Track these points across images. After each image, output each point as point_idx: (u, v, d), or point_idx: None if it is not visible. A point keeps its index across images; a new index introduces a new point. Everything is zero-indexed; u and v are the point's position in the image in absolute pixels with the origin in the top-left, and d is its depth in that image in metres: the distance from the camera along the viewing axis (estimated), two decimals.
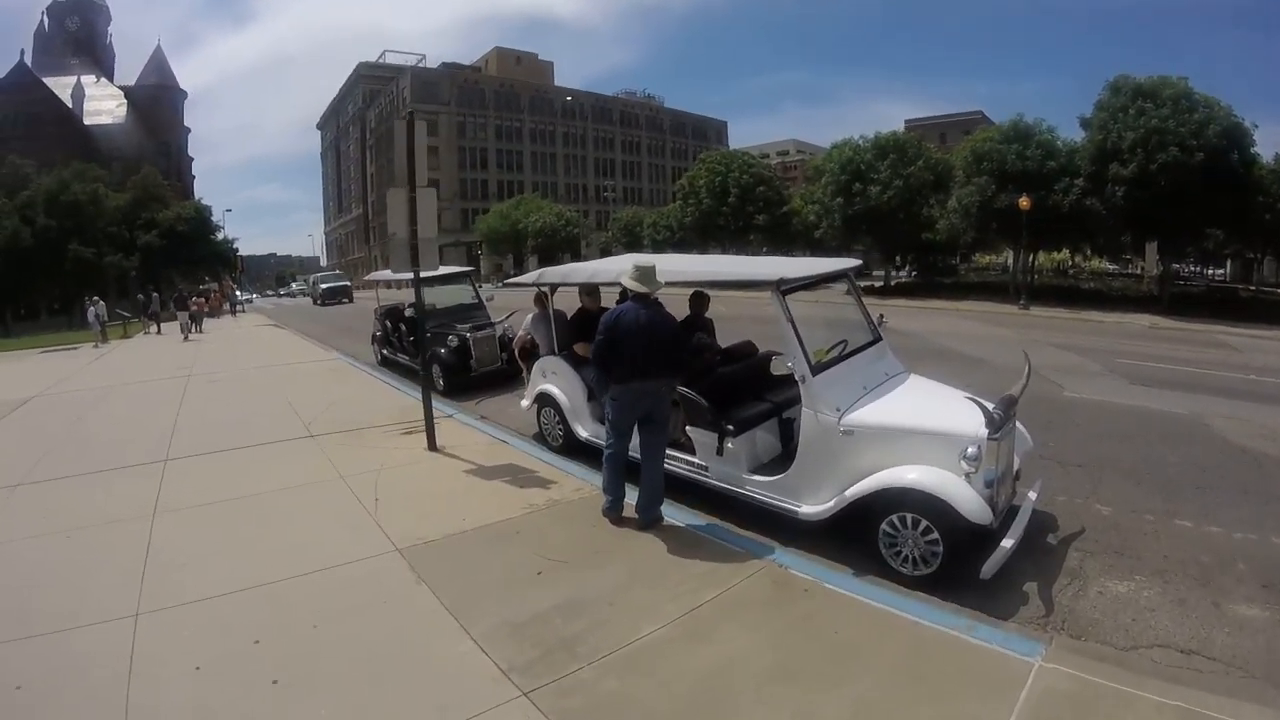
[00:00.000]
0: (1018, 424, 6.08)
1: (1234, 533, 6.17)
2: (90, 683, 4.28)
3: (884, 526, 5.39)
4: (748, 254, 38.37)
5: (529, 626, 4.71)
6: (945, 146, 46.46)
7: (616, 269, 7.01)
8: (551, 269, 9.49)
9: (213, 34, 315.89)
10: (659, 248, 53.33)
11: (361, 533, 6.44)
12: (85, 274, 51.80)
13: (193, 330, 30.90)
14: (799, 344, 5.93)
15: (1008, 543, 5.15)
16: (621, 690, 4.04)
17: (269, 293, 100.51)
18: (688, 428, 6.89)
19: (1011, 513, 5.71)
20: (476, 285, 17.14)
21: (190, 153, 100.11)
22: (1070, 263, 51.96)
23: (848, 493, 5.52)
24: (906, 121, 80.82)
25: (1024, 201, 28.31)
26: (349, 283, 55.70)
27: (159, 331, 33.59)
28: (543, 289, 9.12)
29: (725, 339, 8.79)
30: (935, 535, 5.14)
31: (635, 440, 6.44)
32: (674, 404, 6.79)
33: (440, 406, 11.31)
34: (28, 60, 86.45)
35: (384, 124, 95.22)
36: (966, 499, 5.02)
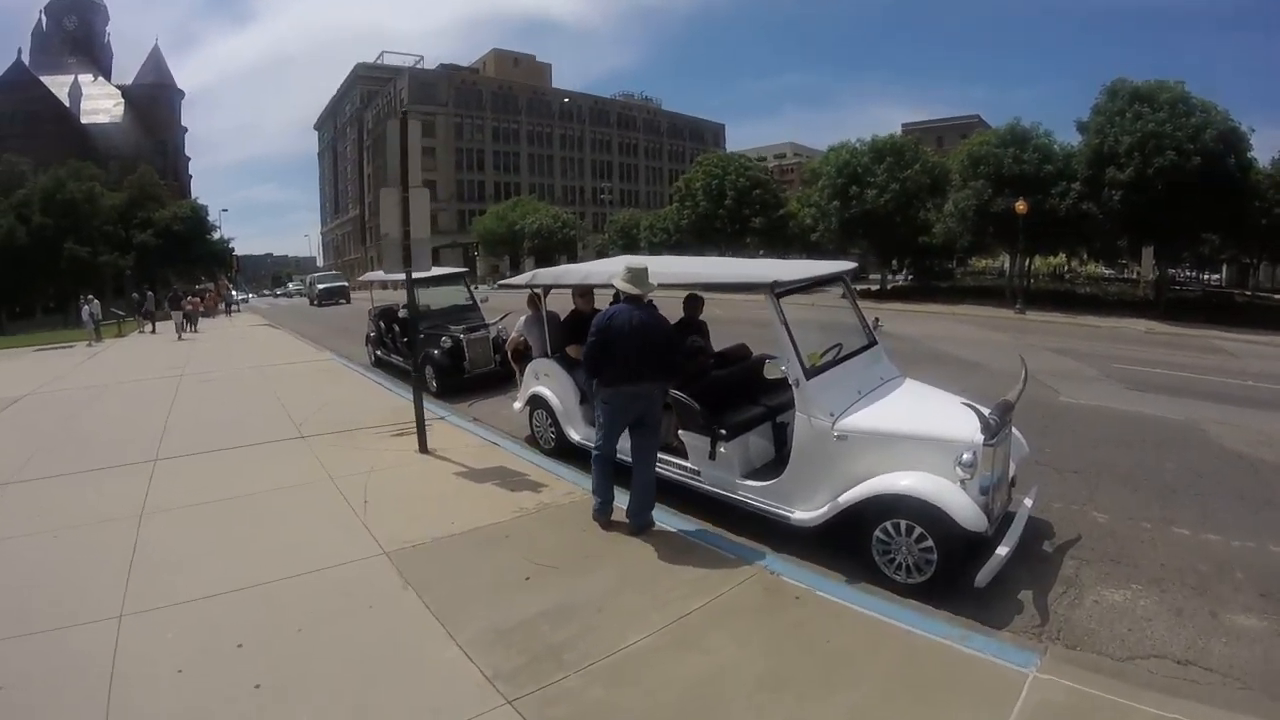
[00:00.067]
0: (1014, 430, 6.02)
1: (1232, 540, 6.10)
2: (73, 685, 4.24)
3: (877, 533, 5.32)
4: (744, 256, 38.29)
5: (516, 632, 4.64)
6: (942, 150, 46.44)
7: (610, 271, 6.95)
8: (544, 270, 9.45)
9: (211, 34, 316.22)
10: (655, 250, 53.33)
11: (350, 535, 6.37)
12: (81, 273, 51.61)
13: (187, 329, 30.82)
14: (793, 347, 5.86)
15: (1003, 550, 5.09)
16: (608, 699, 3.96)
17: (265, 292, 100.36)
18: (680, 431, 6.82)
19: (1007, 519, 5.64)
20: (470, 286, 17.07)
21: (187, 152, 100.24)
22: (1066, 267, 51.97)
23: (841, 499, 5.45)
24: (903, 125, 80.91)
25: (1020, 205, 28.25)
26: (346, 283, 55.59)
27: (154, 330, 33.48)
28: (536, 290, 9.06)
29: (721, 342, 8.73)
30: (929, 542, 5.07)
31: (626, 443, 6.38)
32: (666, 407, 6.72)
33: (433, 408, 11.28)
34: (25, 59, 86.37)
35: (381, 125, 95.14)
36: (961, 506, 4.95)
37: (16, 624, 4.89)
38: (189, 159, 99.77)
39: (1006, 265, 40.10)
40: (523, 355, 9.46)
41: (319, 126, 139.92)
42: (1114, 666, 4.37)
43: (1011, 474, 6.09)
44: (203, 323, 35.33)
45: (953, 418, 5.51)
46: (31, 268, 51.96)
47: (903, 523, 5.18)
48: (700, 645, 4.46)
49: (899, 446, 5.43)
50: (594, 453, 6.44)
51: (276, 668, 4.33)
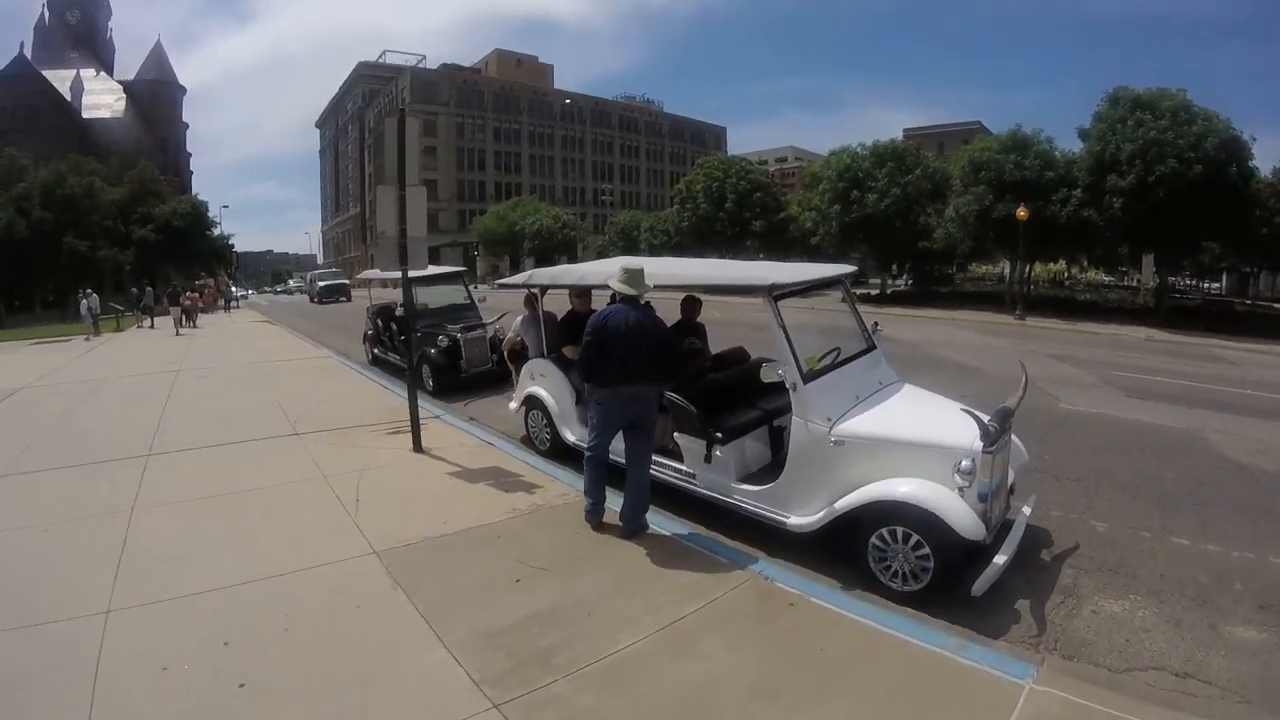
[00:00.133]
0: (1013, 437, 5.95)
1: (1231, 551, 6.05)
2: (58, 682, 4.20)
3: (874, 540, 5.26)
4: (744, 259, 38.22)
5: (504, 636, 4.58)
6: (943, 156, 46.30)
7: (607, 271, 6.89)
8: (541, 270, 9.39)
9: (214, 32, 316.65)
10: (655, 252, 53.30)
11: (340, 534, 6.32)
12: (80, 267, 51.47)
13: (184, 325, 30.77)
14: (790, 351, 5.79)
15: (1000, 559, 5.02)
16: (596, 706, 3.90)
17: (265, 289, 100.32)
18: (676, 434, 6.75)
19: (1005, 527, 5.58)
20: (469, 286, 17.01)
21: (189, 149, 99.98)
22: (1066, 274, 52.00)
23: (837, 504, 5.39)
24: (905, 130, 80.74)
25: (1021, 212, 28.24)
26: (347, 281, 55.46)
27: (152, 326, 33.41)
28: (533, 290, 9.00)
29: (719, 344, 8.67)
30: (926, 550, 5.01)
31: (620, 445, 6.31)
32: (662, 409, 6.66)
33: (429, 407, 11.24)
34: (28, 53, 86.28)
35: (382, 124, 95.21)
36: (959, 514, 4.88)
37: (3, 619, 4.83)
38: (190, 155, 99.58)
39: (1006, 271, 40.11)
40: (519, 355, 9.40)
41: (320, 124, 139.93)
42: (1111, 678, 4.31)
43: (1010, 481, 6.03)
44: (201, 318, 35.27)
45: (951, 424, 5.44)
46: (31, 262, 51.91)
47: (899, 530, 5.11)
48: (692, 651, 4.40)
49: (897, 452, 5.36)
50: (587, 454, 6.38)
51: (262, 667, 4.28)
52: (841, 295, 7.42)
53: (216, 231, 64.93)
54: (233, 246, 67.20)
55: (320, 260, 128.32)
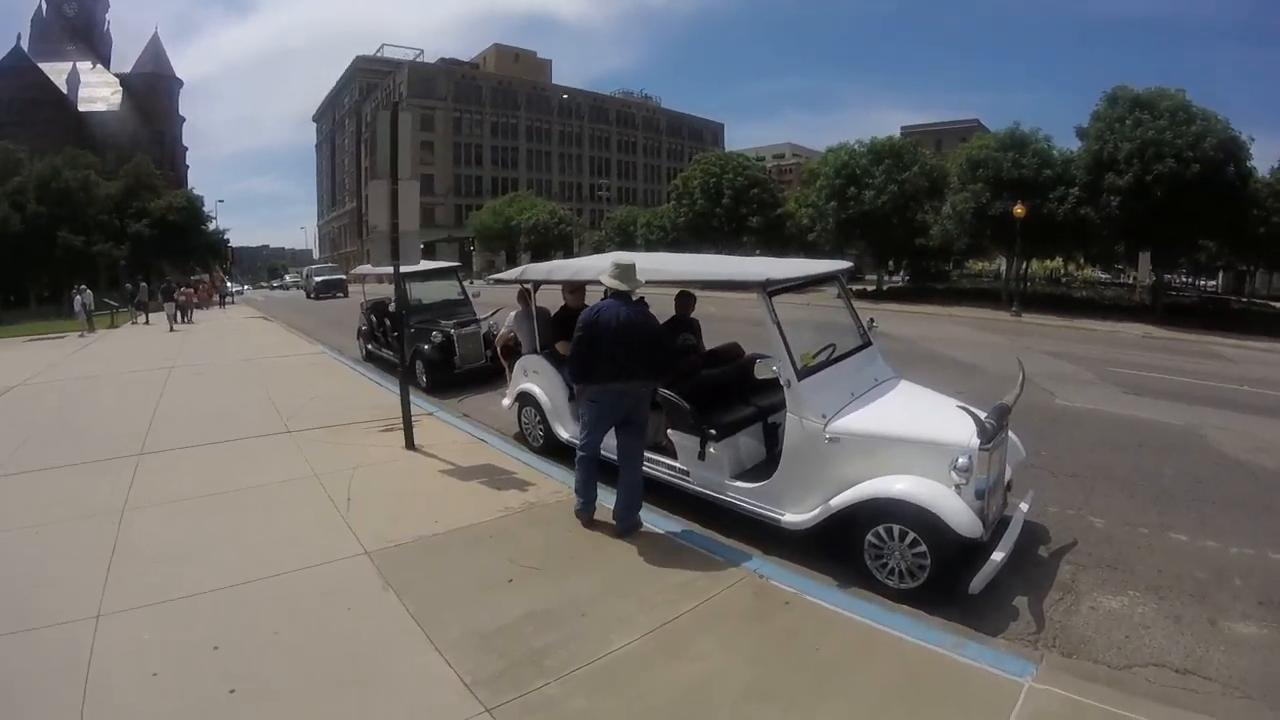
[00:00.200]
0: (1010, 433, 5.90)
1: (1230, 547, 6.01)
2: (48, 687, 4.15)
3: (870, 537, 5.20)
4: (741, 255, 38.21)
5: (497, 637, 4.52)
6: (941, 153, 46.26)
7: (600, 267, 6.81)
8: (535, 265, 9.31)
9: (211, 24, 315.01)
10: (652, 247, 53.22)
11: (331, 534, 6.25)
12: (75, 262, 51.11)
13: (180, 320, 30.68)
14: (785, 347, 5.73)
15: (998, 556, 4.96)
16: (589, 709, 3.84)
17: (262, 284, 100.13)
18: (669, 431, 6.71)
19: (1002, 524, 5.51)
20: (463, 281, 16.93)
21: (185, 142, 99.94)
22: (1063, 271, 51.95)
23: (832, 502, 5.34)
24: (903, 127, 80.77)
25: (1019, 209, 28.22)
26: (344, 276, 55.26)
27: (147, 321, 33.33)
28: (526, 286, 8.93)
29: (715, 340, 8.61)
30: (923, 548, 4.96)
31: (613, 442, 6.26)
32: (655, 406, 6.62)
33: (422, 404, 11.21)
34: (24, 45, 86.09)
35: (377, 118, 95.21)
36: (956, 511, 4.83)
37: None
38: (186, 149, 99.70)
39: (1003, 268, 40.05)
40: (512, 351, 9.34)
41: (317, 119, 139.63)
42: (1110, 675, 4.27)
43: (1007, 478, 5.98)
44: (197, 314, 35.17)
45: (948, 421, 5.39)
46: (26, 256, 51.59)
47: (895, 527, 5.06)
48: (686, 652, 4.34)
49: (892, 450, 5.31)
50: (579, 452, 6.32)
51: (252, 671, 4.22)
52: (837, 291, 7.36)
53: (212, 226, 64.62)
54: (228, 241, 66.95)
55: (316, 255, 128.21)
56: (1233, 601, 5.14)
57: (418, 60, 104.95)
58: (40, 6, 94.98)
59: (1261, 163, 29.66)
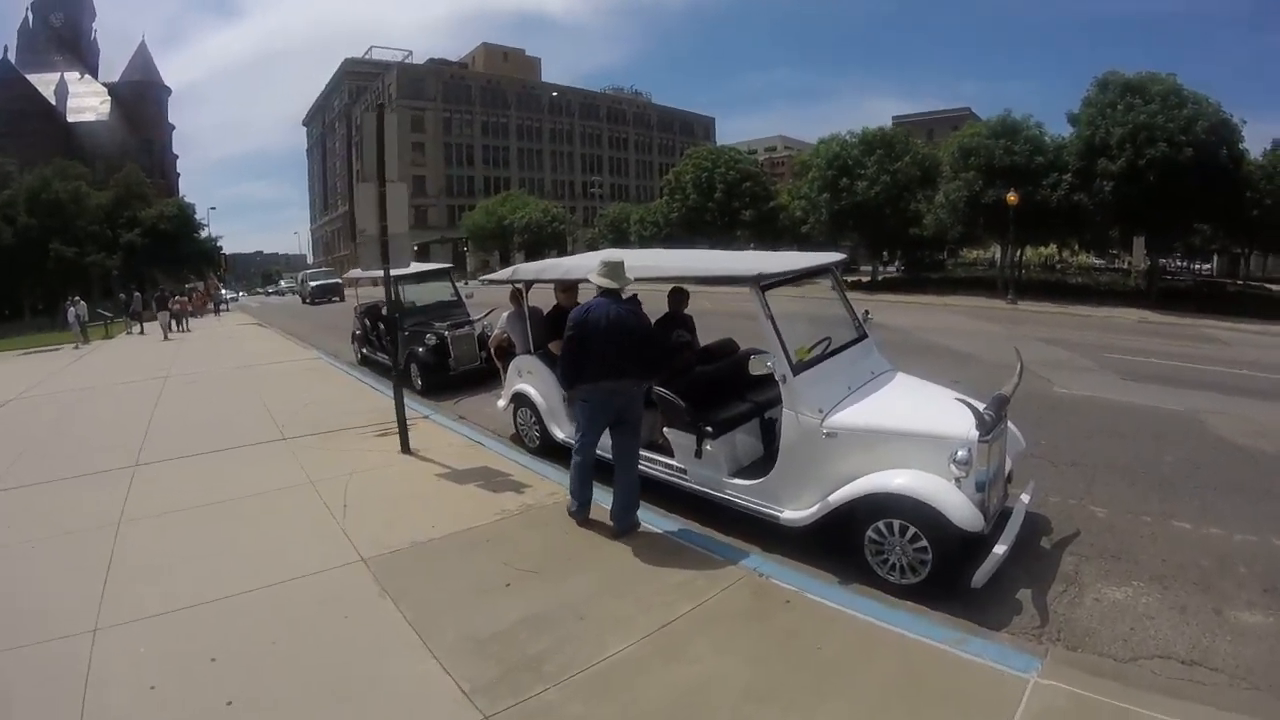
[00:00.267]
0: (1009, 424, 5.84)
1: (1234, 534, 5.96)
2: (46, 702, 4.14)
3: (870, 533, 5.15)
4: (735, 249, 38.18)
5: (494, 643, 4.47)
6: (932, 142, 46.21)
7: (590, 266, 6.76)
8: (525, 265, 9.24)
9: (198, 30, 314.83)
10: (646, 243, 53.29)
11: (328, 541, 6.20)
12: (67, 273, 51.13)
13: (174, 329, 30.60)
14: (779, 342, 5.67)
15: (1000, 549, 4.91)
16: (586, 715, 3.79)
17: (258, 290, 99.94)
18: (665, 429, 6.66)
19: (1004, 516, 5.47)
20: (456, 282, 16.87)
21: (175, 150, 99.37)
22: (1057, 258, 51.92)
23: (831, 498, 5.28)
24: (894, 117, 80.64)
25: (1011, 197, 28.25)
26: (340, 280, 55.07)
27: (141, 331, 33.20)
28: (518, 286, 8.86)
29: (711, 335, 8.54)
30: (924, 543, 4.90)
31: (608, 442, 6.21)
32: (651, 404, 6.57)
33: (418, 407, 11.15)
34: (11, 56, 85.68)
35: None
36: (956, 505, 4.78)
37: None
38: (177, 157, 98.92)
39: (998, 256, 40.05)
40: (506, 352, 9.28)
41: (307, 122, 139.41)
42: (1116, 669, 4.22)
43: (1008, 469, 5.92)
44: (192, 322, 35.05)
45: (946, 413, 5.33)
46: (18, 269, 51.50)
47: (896, 523, 5.01)
48: (685, 654, 4.29)
49: (891, 444, 5.25)
50: (575, 458, 6.26)
51: (249, 683, 4.18)
52: (831, 284, 7.30)
53: (204, 234, 64.51)
54: (221, 249, 66.82)
55: (310, 260, 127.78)
56: (1237, 590, 5.09)
57: (406, 61, 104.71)
58: (26, 17, 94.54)
59: (1254, 145, 29.75)
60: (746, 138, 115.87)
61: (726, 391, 7.00)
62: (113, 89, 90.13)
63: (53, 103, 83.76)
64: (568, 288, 8.20)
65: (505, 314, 9.49)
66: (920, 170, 36.36)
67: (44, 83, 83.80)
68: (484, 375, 12.88)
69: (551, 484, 7.33)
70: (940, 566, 4.89)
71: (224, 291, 59.89)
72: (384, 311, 15.51)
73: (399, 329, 10.29)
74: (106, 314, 36.73)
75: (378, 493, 7.50)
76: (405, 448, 8.85)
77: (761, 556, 5.55)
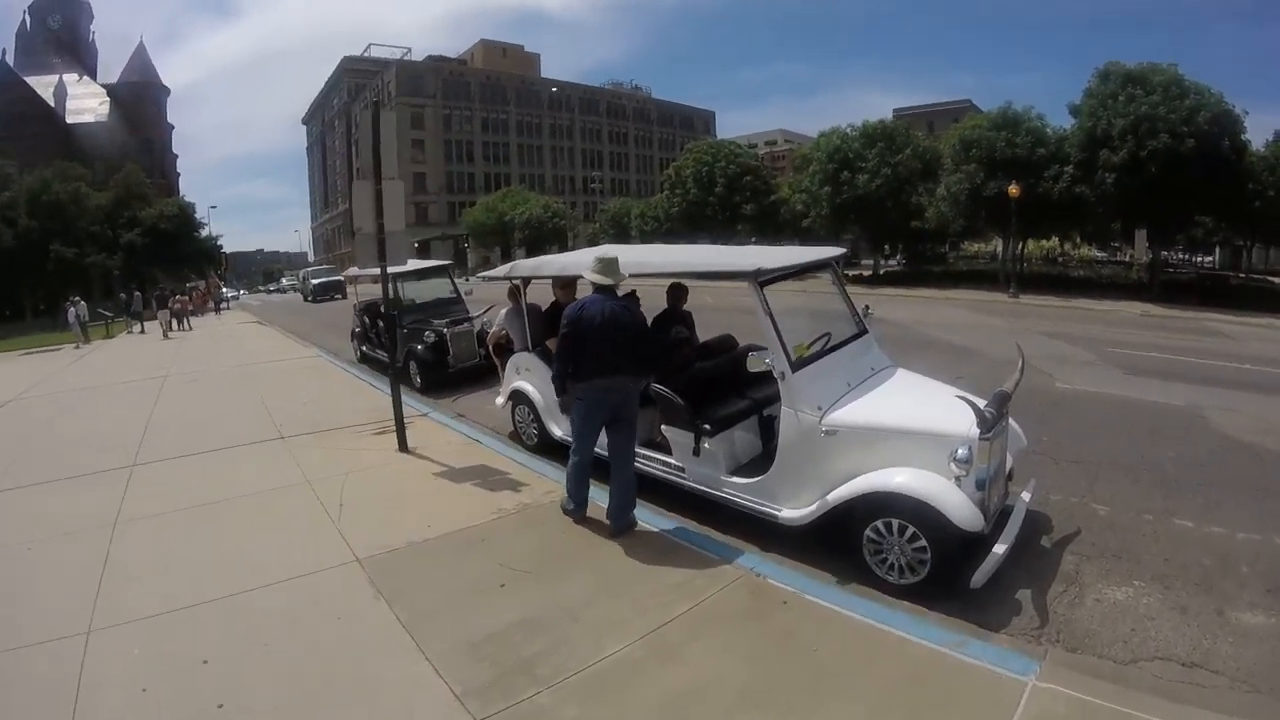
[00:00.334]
0: (1010, 420, 5.78)
1: (1237, 533, 5.89)
2: (38, 705, 4.13)
3: (868, 532, 5.10)
4: (736, 244, 38.08)
5: (488, 645, 4.43)
6: (933, 135, 46.05)
7: (587, 262, 6.72)
8: (523, 261, 9.22)
9: (197, 29, 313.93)
10: (647, 238, 53.21)
11: (323, 541, 6.17)
12: (68, 274, 51.20)
13: (175, 328, 30.64)
14: (778, 338, 5.61)
15: (1000, 549, 4.85)
16: (580, 718, 3.76)
17: (259, 288, 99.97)
18: (663, 427, 6.61)
19: (1004, 515, 5.42)
20: (455, 279, 16.82)
21: (175, 150, 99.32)
22: (1059, 250, 51.81)
23: (830, 496, 5.22)
24: (895, 110, 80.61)
25: (1013, 189, 28.13)
26: (342, 278, 55.03)
27: (142, 331, 33.23)
28: (515, 282, 8.81)
29: (712, 331, 8.48)
30: (923, 542, 4.85)
31: (604, 439, 6.16)
32: (649, 401, 6.53)
33: (416, 404, 11.14)
34: (9, 59, 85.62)
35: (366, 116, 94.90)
36: (956, 504, 4.72)
37: None
38: (176, 156, 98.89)
39: (999, 249, 39.94)
40: (504, 349, 9.25)
41: (307, 121, 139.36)
42: (1116, 671, 4.16)
43: (1009, 466, 5.87)
44: (192, 321, 35.04)
45: (947, 410, 5.27)
46: (19, 270, 51.57)
47: (895, 522, 4.95)
48: (680, 656, 4.24)
49: (890, 442, 5.19)
50: (572, 459, 6.22)
51: (241, 686, 4.16)
52: (831, 279, 7.24)
53: (205, 233, 64.56)
54: (221, 248, 66.83)
55: (311, 258, 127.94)
56: (1240, 590, 5.03)
57: (405, 59, 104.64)
58: (24, 20, 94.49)
59: (1256, 136, 29.59)
60: (747, 131, 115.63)
61: (725, 388, 6.95)
62: (111, 90, 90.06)
63: (52, 105, 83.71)
64: (565, 284, 8.14)
65: (503, 311, 9.45)
66: (921, 163, 36.21)
67: (43, 85, 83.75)
68: (483, 372, 12.85)
69: (549, 482, 7.29)
70: (939, 566, 4.83)
71: (225, 290, 59.88)
72: (383, 309, 15.51)
73: (398, 326, 10.23)
74: (107, 314, 36.70)
75: (374, 492, 7.46)
76: (403, 446, 8.81)
77: (759, 556, 5.51)
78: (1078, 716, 3.59)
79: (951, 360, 12.67)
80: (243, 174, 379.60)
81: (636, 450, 6.42)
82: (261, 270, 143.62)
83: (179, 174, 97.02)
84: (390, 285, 9.33)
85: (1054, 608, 4.88)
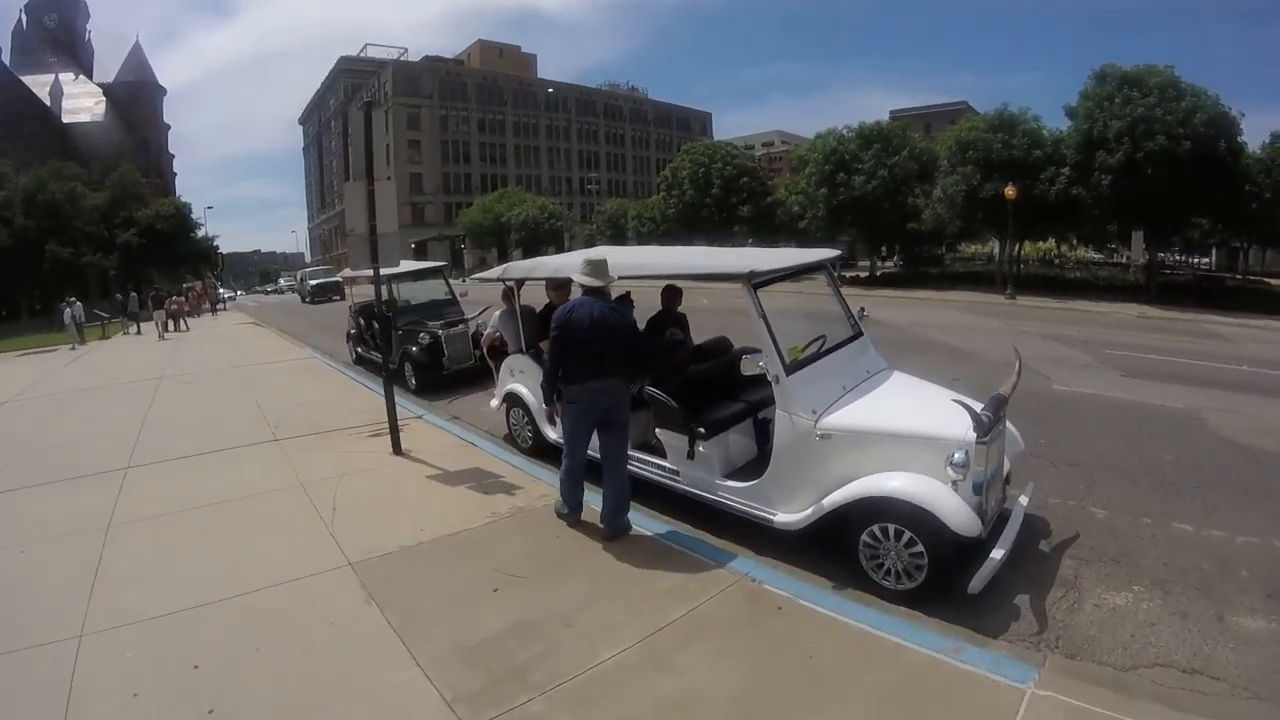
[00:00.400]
0: (1008, 423, 5.74)
1: (1236, 536, 5.85)
2: (27, 711, 4.12)
3: (864, 537, 5.05)
4: (732, 245, 38.07)
5: (479, 651, 4.39)
6: (930, 136, 46.07)
7: (577, 264, 6.68)
8: (516, 263, 9.14)
9: (193, 29, 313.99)
10: (644, 239, 53.32)
11: (316, 545, 6.14)
12: (64, 274, 51.14)
13: (172, 329, 30.63)
14: (772, 341, 5.56)
15: (997, 554, 4.79)
16: None
17: (256, 289, 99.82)
18: (658, 430, 6.56)
19: (1001, 519, 5.37)
20: (450, 280, 16.76)
21: (171, 150, 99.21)
22: (1056, 252, 51.82)
23: (825, 501, 5.17)
24: (891, 112, 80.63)
25: (1010, 191, 28.13)
26: (340, 279, 54.86)
27: (138, 331, 33.14)
28: (509, 284, 8.76)
29: (709, 333, 8.45)
30: (920, 547, 4.80)
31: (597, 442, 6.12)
32: (644, 405, 6.48)
33: (411, 406, 11.11)
34: (5, 59, 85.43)
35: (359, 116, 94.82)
36: (953, 509, 4.67)
37: None
38: (173, 156, 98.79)
39: (996, 251, 39.94)
40: (499, 351, 9.19)
41: (304, 121, 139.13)
42: (1115, 678, 4.11)
43: (1006, 470, 5.81)
44: (189, 322, 34.96)
45: (943, 414, 5.20)
46: (14, 270, 51.48)
47: (891, 527, 4.91)
48: (674, 664, 4.19)
49: (886, 445, 5.14)
50: (564, 461, 6.18)
51: (231, 691, 4.14)
52: (826, 280, 7.18)
53: (201, 233, 64.42)
54: (217, 248, 66.68)
55: (308, 258, 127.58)
56: (1239, 595, 4.99)
57: (402, 59, 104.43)
58: (20, 19, 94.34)
59: (1252, 138, 29.55)
60: (744, 133, 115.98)
61: (720, 391, 6.91)
62: (108, 90, 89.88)
63: (48, 104, 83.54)
64: (559, 285, 8.08)
65: (498, 312, 9.39)
66: (918, 164, 36.24)
67: (39, 84, 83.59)
68: (478, 374, 12.72)
69: (543, 485, 7.24)
70: (936, 572, 4.78)
71: (221, 291, 59.71)
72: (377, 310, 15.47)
73: (392, 328, 10.19)
74: (103, 314, 36.61)
75: (367, 495, 7.42)
76: (397, 449, 8.76)
77: (754, 561, 5.45)
78: None
79: (948, 362, 12.64)
80: (239, 174, 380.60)
81: (631, 453, 6.38)
82: (258, 271, 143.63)
83: (175, 174, 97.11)
84: (385, 286, 9.29)
85: (1052, 613, 4.83)
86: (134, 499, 7.66)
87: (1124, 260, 48.34)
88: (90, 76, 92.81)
